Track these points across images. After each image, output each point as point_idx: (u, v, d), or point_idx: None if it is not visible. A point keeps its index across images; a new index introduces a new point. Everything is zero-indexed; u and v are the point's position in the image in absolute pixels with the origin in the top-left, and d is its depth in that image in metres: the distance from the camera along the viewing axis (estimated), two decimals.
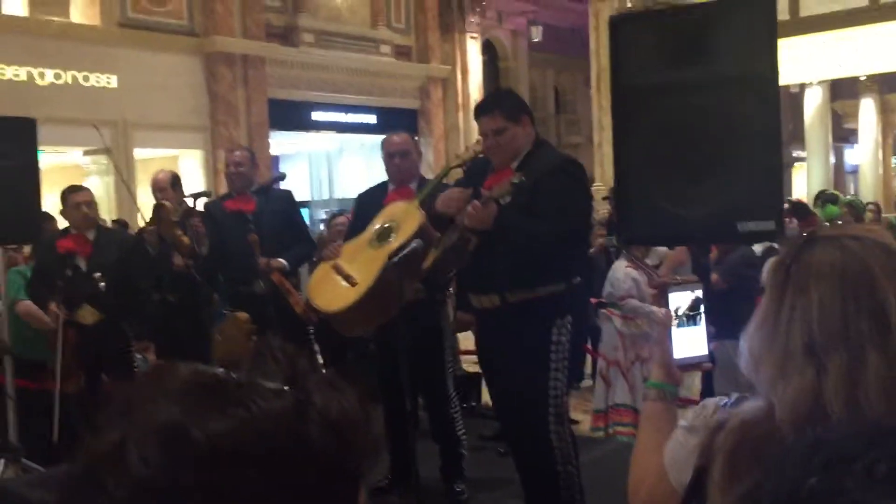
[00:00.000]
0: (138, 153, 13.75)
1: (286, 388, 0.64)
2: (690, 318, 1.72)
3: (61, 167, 13.16)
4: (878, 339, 1.13)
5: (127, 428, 0.60)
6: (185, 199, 5.00)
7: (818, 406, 1.11)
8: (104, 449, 0.60)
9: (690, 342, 1.69)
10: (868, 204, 11.88)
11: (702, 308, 1.73)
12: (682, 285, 1.80)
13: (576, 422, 5.61)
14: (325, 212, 11.69)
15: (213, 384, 0.63)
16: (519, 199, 3.26)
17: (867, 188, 19.84)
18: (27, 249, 5.87)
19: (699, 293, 1.75)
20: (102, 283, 4.40)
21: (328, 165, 18.62)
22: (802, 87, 18.85)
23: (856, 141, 22.41)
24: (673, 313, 1.70)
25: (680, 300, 1.73)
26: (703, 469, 1.25)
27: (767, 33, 2.68)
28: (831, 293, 1.16)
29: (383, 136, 4.60)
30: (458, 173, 4.14)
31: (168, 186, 5.24)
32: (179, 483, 0.58)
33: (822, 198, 10.01)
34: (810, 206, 9.43)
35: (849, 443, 0.42)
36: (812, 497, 0.40)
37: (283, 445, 0.61)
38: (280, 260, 4.67)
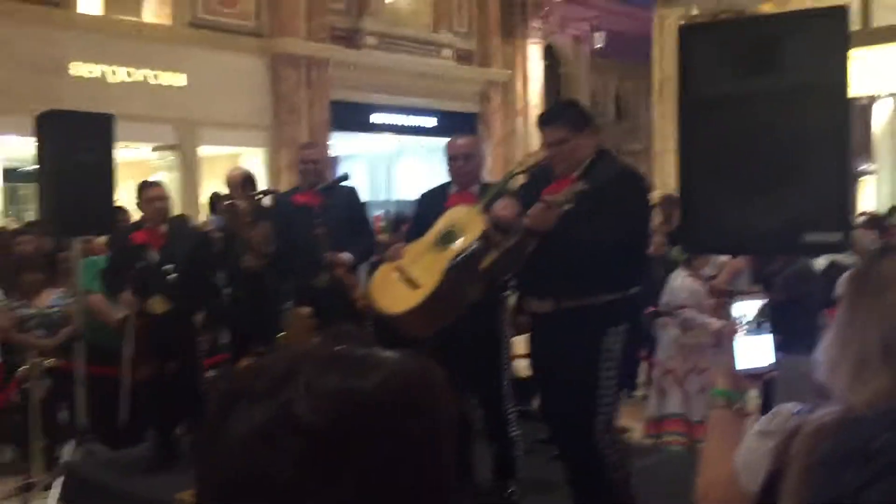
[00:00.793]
0: (204, 150, 14.07)
1: (398, 355, 0.73)
2: (756, 327, 1.73)
3: (130, 162, 13.55)
4: None
5: (289, 393, 0.67)
6: (257, 197, 5.15)
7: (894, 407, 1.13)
8: (271, 412, 0.66)
9: (756, 351, 1.70)
10: None
11: (767, 317, 1.75)
12: (745, 294, 1.82)
13: (628, 430, 5.59)
14: (384, 212, 11.82)
15: (346, 353, 0.71)
16: (581, 208, 3.29)
17: None
18: (102, 239, 6.08)
19: (765, 302, 1.77)
20: (173, 275, 4.55)
21: (387, 167, 18.79)
22: (872, 99, 18.39)
23: None
24: (738, 322, 1.72)
25: (745, 309, 1.75)
26: (777, 473, 1.27)
27: (840, 44, 2.67)
28: None
29: (443, 139, 4.66)
30: (520, 179, 4.17)
31: (239, 185, 5.40)
32: (348, 430, 0.66)
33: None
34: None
35: None
36: (884, 448, 0.43)
37: (422, 394, 0.70)
38: (346, 254, 4.78)
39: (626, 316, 3.50)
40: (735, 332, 1.70)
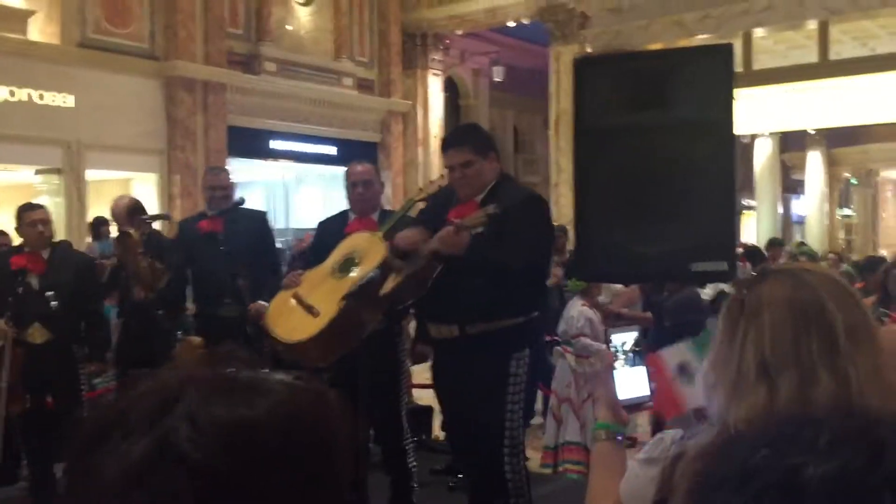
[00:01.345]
0: (92, 174, 13.55)
1: (288, 379, 0.67)
2: (633, 358, 1.75)
3: (12, 185, 12.91)
4: (827, 360, 1.19)
5: (168, 424, 0.61)
6: (146, 224, 5.01)
7: (770, 422, 1.15)
8: (145, 448, 0.60)
9: (634, 382, 1.72)
10: (830, 254, 12.23)
11: (642, 348, 1.77)
12: (623, 326, 1.84)
13: (527, 458, 5.62)
14: (281, 241, 11.64)
15: (232, 378, 0.65)
16: (487, 231, 3.31)
17: (813, 238, 20.39)
18: None
19: (637, 333, 1.79)
20: (54, 303, 4.32)
21: (285, 194, 18.56)
22: (753, 137, 19.42)
23: (803, 192, 23.07)
24: (617, 353, 1.74)
25: (622, 340, 1.77)
26: (662, 501, 1.28)
27: (725, 81, 2.79)
28: (783, 316, 1.22)
29: (343, 167, 4.64)
30: (420, 206, 4.17)
31: (124, 214, 5.23)
32: (237, 463, 0.60)
33: (774, 244, 10.32)
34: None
35: (793, 426, 0.44)
36: (761, 467, 0.42)
37: (314, 421, 0.65)
38: (263, 304, 4.66)
39: (529, 341, 3.54)
40: (613, 363, 1.72)
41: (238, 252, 4.72)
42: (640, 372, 1.73)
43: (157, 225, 5.32)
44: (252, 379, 0.66)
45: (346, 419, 0.70)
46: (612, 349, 1.74)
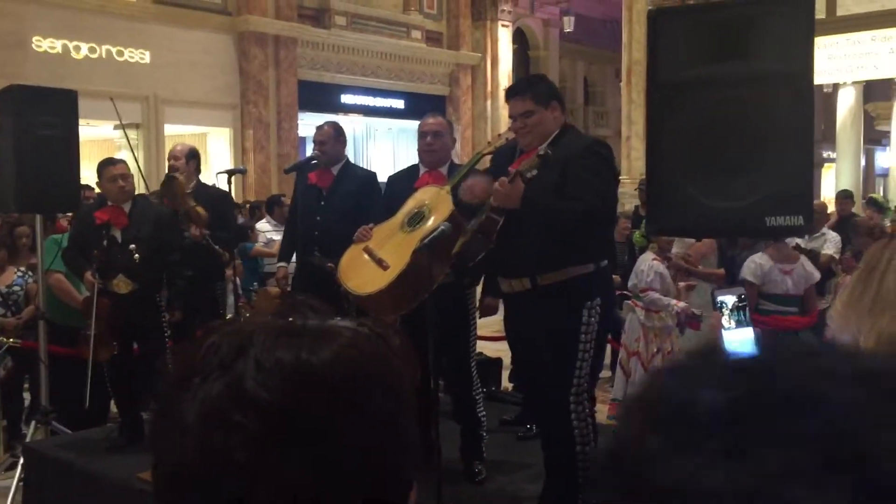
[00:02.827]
0: (169, 129, 13.89)
1: (353, 325, 0.71)
2: (740, 318, 1.70)
3: (92, 140, 13.34)
4: None
5: (240, 368, 0.65)
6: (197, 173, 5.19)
7: None
8: (219, 390, 0.64)
9: (743, 343, 1.68)
10: None
11: (748, 309, 1.72)
12: (729, 288, 1.79)
13: (595, 409, 5.66)
14: None
15: (300, 326, 0.69)
16: (546, 177, 3.30)
17: None
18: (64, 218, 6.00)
19: (742, 292, 1.74)
20: (137, 255, 4.49)
21: (355, 148, 18.70)
22: (835, 87, 18.67)
23: (888, 143, 22.15)
24: (725, 315, 1.69)
25: (727, 299, 1.71)
26: None
27: (805, 32, 2.71)
28: None
29: (411, 122, 4.70)
30: (489, 159, 4.18)
31: (183, 157, 5.36)
32: (299, 406, 0.64)
33: (845, 195, 10.08)
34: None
35: (703, 357, 0.44)
36: (667, 396, 0.42)
37: (378, 367, 0.68)
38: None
39: (600, 290, 3.54)
40: (721, 324, 1.68)
41: (339, 209, 4.80)
42: (748, 332, 1.70)
43: (226, 178, 5.43)
44: (319, 325, 0.69)
45: (411, 363, 0.72)
46: (719, 309, 1.69)
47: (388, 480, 0.67)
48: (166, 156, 13.09)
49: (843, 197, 10.09)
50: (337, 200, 4.89)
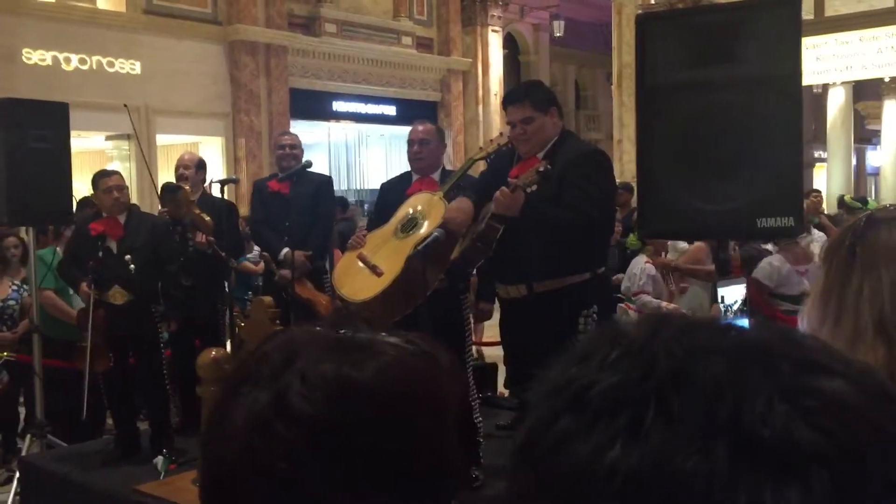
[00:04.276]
0: (160, 139, 13.88)
1: (401, 342, 0.71)
2: (741, 313, 1.71)
3: (84, 152, 13.32)
4: None
5: (286, 379, 0.66)
6: (201, 182, 5.28)
7: (892, 381, 1.14)
8: (265, 401, 0.65)
9: None
10: None
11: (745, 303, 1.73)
12: (729, 279, 1.80)
13: None
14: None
15: (346, 339, 0.70)
16: (545, 188, 3.32)
17: (888, 190, 19.70)
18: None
19: (743, 288, 1.75)
20: (132, 266, 4.49)
21: (347, 155, 18.72)
22: (825, 87, 18.75)
23: (878, 142, 22.25)
24: (721, 308, 1.70)
25: (731, 294, 1.72)
26: None
27: (792, 34, 2.73)
28: None
29: (403, 128, 4.77)
30: (481, 165, 4.19)
31: (193, 166, 5.40)
32: (341, 420, 0.65)
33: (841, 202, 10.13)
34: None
35: (596, 344, 0.47)
36: (561, 383, 0.46)
37: (422, 383, 0.69)
38: (286, 272, 5.09)
39: (597, 297, 3.55)
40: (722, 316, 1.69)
41: (301, 214, 5.11)
42: (745, 324, 1.70)
43: (219, 188, 5.49)
44: (367, 340, 0.70)
45: (459, 381, 0.73)
46: (721, 304, 1.71)
47: (426, 497, 0.68)
48: (158, 166, 13.09)
49: (812, 194, 10.22)
50: (300, 202, 5.22)
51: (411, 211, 4.02)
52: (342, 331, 0.71)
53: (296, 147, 5.49)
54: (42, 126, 4.88)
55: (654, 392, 0.42)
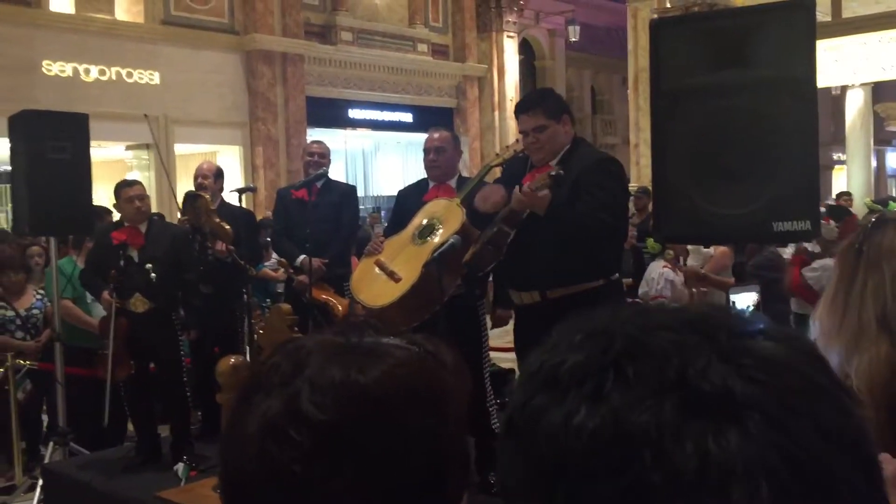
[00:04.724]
0: (179, 149, 14.00)
1: (405, 343, 0.74)
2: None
3: (105, 162, 13.45)
4: None
5: (296, 386, 0.69)
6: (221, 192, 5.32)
7: (894, 374, 1.16)
8: (277, 408, 0.68)
9: None
10: None
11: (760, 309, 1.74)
12: (742, 286, 1.82)
13: None
14: (363, 209, 11.91)
15: (352, 344, 0.72)
16: (557, 193, 3.33)
17: None
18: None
19: (756, 293, 1.76)
20: (153, 275, 4.54)
21: (364, 163, 18.78)
22: (844, 89, 18.61)
23: None
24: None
25: (743, 300, 1.74)
26: None
27: (806, 37, 2.73)
28: None
29: (420, 134, 4.79)
30: (498, 172, 4.21)
31: (211, 175, 5.46)
32: (350, 423, 0.67)
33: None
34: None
35: (566, 330, 0.54)
36: (537, 366, 0.52)
37: (427, 385, 0.71)
38: (304, 278, 5.09)
39: (610, 304, 3.55)
40: None
41: (323, 223, 5.11)
42: None
43: (237, 196, 5.57)
44: (372, 344, 0.73)
45: (463, 378, 0.75)
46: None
47: (434, 492, 0.70)
48: (177, 175, 13.21)
49: (842, 197, 10.18)
50: (322, 211, 5.23)
51: (429, 217, 4.04)
52: (348, 337, 0.74)
53: (325, 156, 5.51)
54: (62, 137, 4.94)
55: (612, 363, 0.49)
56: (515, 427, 0.52)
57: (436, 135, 4.52)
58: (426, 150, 4.43)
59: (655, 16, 11.03)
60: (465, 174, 4.73)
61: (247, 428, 0.69)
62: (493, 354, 4.85)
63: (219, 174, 5.58)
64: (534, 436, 0.49)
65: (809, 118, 2.74)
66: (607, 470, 0.46)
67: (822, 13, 13.61)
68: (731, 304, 1.73)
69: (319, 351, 0.71)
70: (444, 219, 3.96)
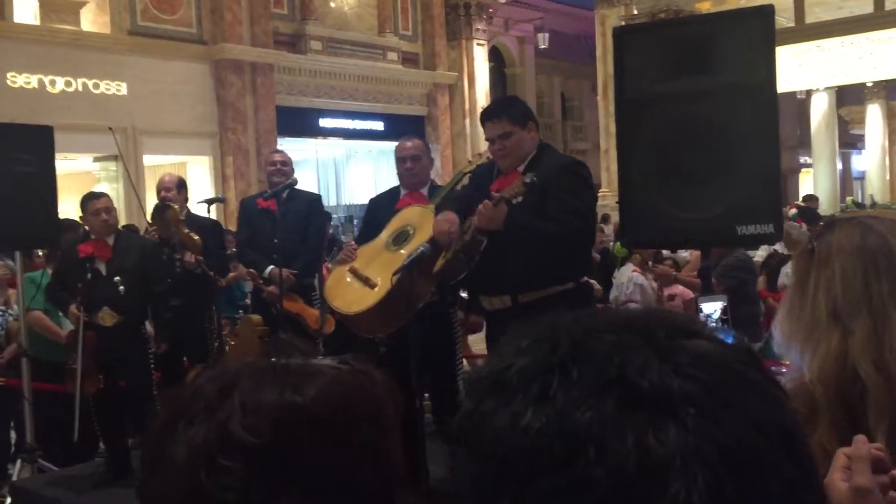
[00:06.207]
0: (147, 160, 13.88)
1: (336, 363, 0.73)
2: (722, 328, 1.75)
3: (72, 174, 13.30)
4: None
5: (225, 411, 0.66)
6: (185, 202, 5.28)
7: (846, 367, 1.19)
8: (204, 434, 0.66)
9: None
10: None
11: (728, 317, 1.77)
12: (710, 296, 1.85)
13: None
14: (335, 217, 11.87)
15: (281, 365, 0.71)
16: (528, 200, 3.35)
17: (874, 192, 19.87)
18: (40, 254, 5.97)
19: (724, 302, 1.80)
20: (122, 287, 4.50)
21: (336, 172, 18.74)
22: (809, 93, 18.89)
23: (863, 146, 22.44)
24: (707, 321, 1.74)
25: (711, 308, 1.77)
26: None
27: (766, 44, 2.77)
28: (852, 262, 1.25)
29: (391, 143, 4.77)
30: (467, 178, 4.22)
31: (174, 188, 5.41)
32: (287, 446, 0.66)
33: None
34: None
35: (515, 335, 0.56)
36: (484, 372, 0.54)
37: (361, 403, 0.71)
38: (274, 289, 5.01)
39: (581, 305, 3.56)
40: None
41: (290, 232, 5.04)
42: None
43: (211, 208, 5.52)
44: (302, 365, 0.71)
45: (394, 393, 0.75)
46: (702, 319, 1.74)
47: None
48: (146, 187, 13.08)
49: (808, 199, 10.33)
50: (289, 220, 5.19)
51: (403, 225, 4.04)
52: (275, 359, 0.72)
53: (286, 164, 5.50)
54: (26, 150, 4.88)
55: (557, 365, 0.51)
56: (465, 432, 0.53)
57: (409, 143, 4.53)
58: (402, 159, 4.44)
59: (623, 23, 11.15)
60: (437, 182, 4.75)
61: (172, 458, 0.66)
62: (466, 361, 4.86)
63: (181, 185, 5.53)
64: (482, 439, 0.51)
65: (770, 123, 2.79)
66: (553, 466, 0.48)
67: (787, 19, 13.82)
68: (699, 311, 1.76)
69: (247, 373, 0.69)
70: (419, 225, 3.97)
